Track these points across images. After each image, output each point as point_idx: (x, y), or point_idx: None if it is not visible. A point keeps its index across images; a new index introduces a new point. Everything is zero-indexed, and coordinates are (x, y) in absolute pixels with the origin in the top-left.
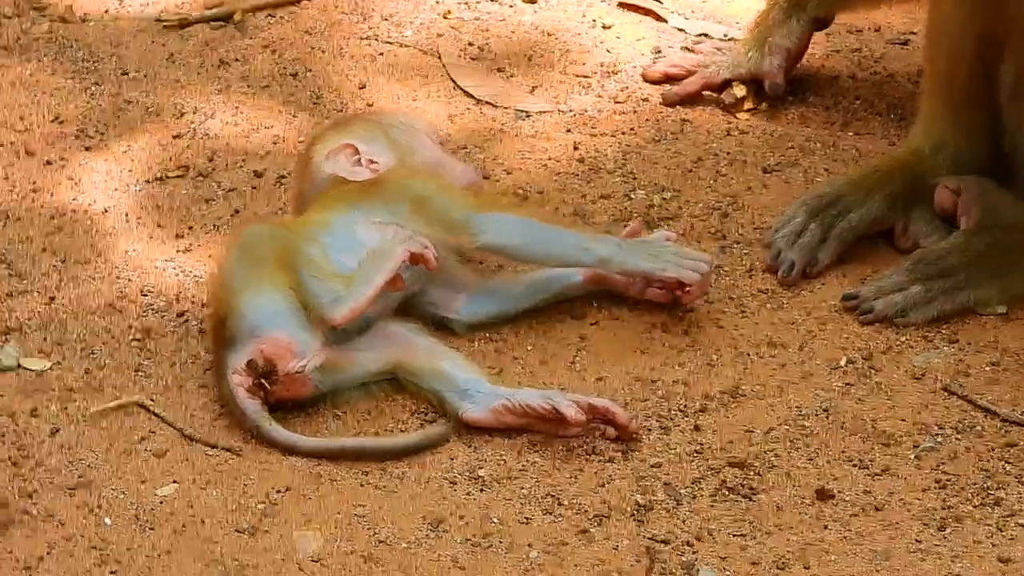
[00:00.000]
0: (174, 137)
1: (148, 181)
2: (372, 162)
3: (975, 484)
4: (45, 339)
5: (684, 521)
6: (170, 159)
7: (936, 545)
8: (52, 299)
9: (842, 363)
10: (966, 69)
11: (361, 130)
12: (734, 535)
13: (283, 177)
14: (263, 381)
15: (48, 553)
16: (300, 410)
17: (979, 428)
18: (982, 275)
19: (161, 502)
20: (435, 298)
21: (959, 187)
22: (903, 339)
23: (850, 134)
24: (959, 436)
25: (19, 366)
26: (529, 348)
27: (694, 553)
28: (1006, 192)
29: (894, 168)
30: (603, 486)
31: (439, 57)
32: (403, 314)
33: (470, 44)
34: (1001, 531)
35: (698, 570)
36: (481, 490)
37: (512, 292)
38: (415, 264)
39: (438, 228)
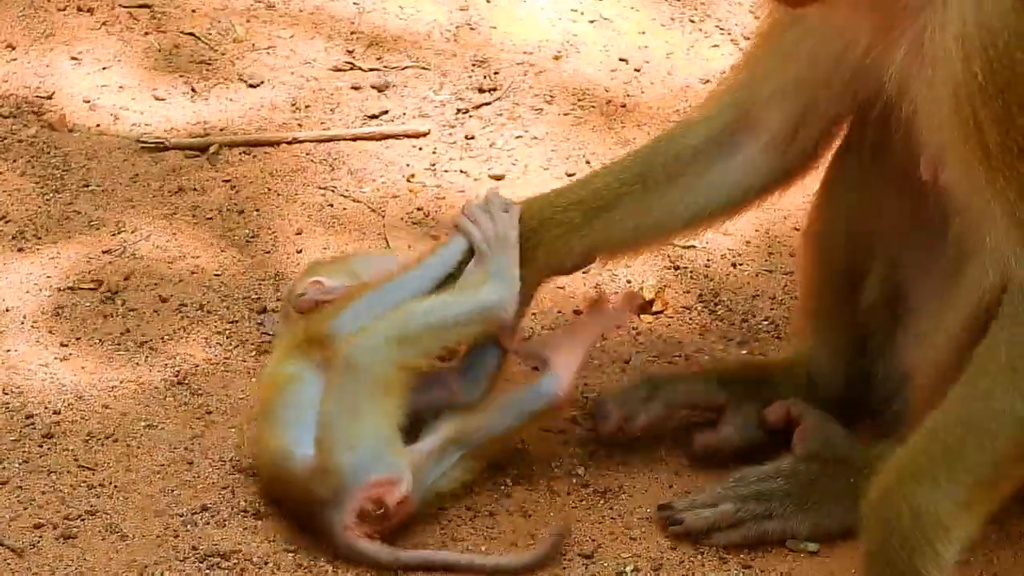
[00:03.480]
0: (103, 252)
1: (60, 289)
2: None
3: None
4: None
5: None
6: (89, 272)
7: None
8: None
9: (628, 569)
10: (830, 280)
11: (329, 268)
12: None
13: (184, 305)
14: (380, 518)
15: None
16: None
17: None
18: (796, 507)
19: None
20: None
21: (801, 414)
22: (700, 555)
23: (743, 352)
24: None
25: None
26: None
27: None
28: (844, 430)
29: (746, 364)
30: None
31: (383, 216)
32: None
33: (419, 209)
34: None
35: None
36: None
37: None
38: None
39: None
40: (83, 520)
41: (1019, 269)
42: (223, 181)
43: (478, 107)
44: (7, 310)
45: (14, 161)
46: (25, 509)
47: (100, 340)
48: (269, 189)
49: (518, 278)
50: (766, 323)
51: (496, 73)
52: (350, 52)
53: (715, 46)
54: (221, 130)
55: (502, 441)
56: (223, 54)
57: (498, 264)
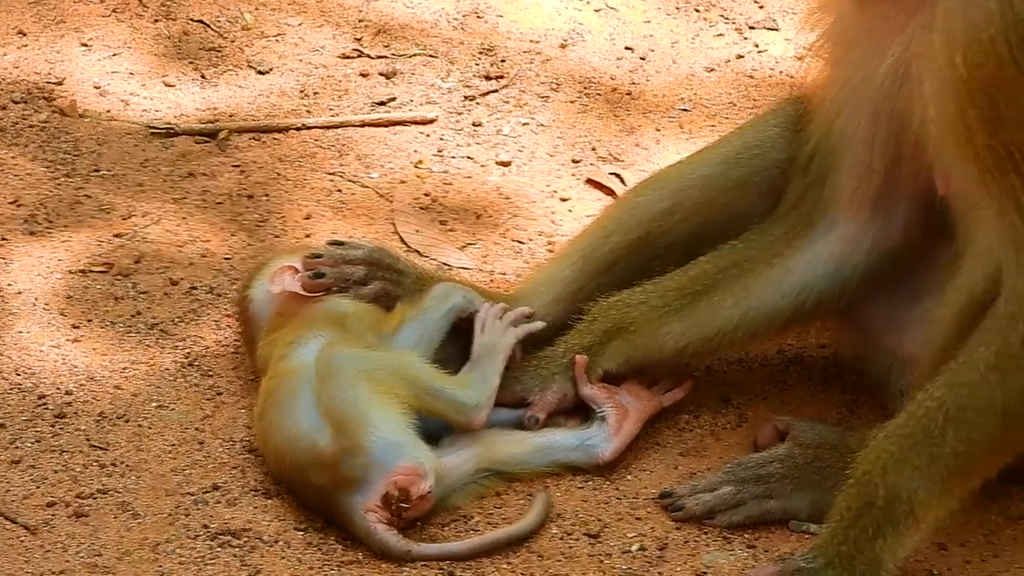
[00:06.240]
0: (114, 236)
1: (71, 272)
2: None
3: None
4: None
5: None
6: (101, 255)
7: None
8: None
9: (633, 548)
10: None
11: (291, 256)
12: None
13: (194, 288)
14: (400, 509)
15: None
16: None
17: None
18: (796, 486)
19: None
20: None
21: (789, 425)
22: (704, 535)
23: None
24: None
25: None
26: None
27: None
28: (835, 427)
29: None
30: None
31: (391, 201)
32: None
33: (426, 194)
34: None
35: None
36: None
37: None
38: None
39: (367, 340)
40: (95, 499)
41: (1011, 270)
42: (232, 166)
43: (485, 94)
44: (19, 293)
45: (25, 146)
46: (38, 487)
47: (111, 322)
48: (278, 174)
49: (495, 388)
50: None
51: (503, 61)
52: (358, 40)
53: (719, 35)
54: (230, 116)
55: (531, 474)
56: (232, 41)
57: (482, 371)
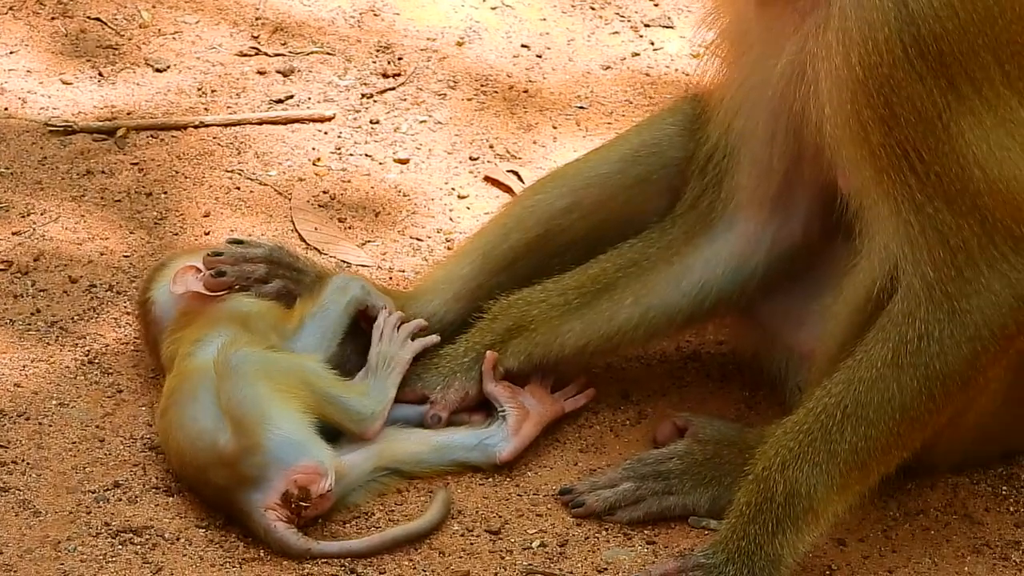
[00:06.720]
0: (12, 233)
1: None
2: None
3: None
4: None
5: None
6: None
7: None
8: None
9: (534, 545)
10: None
11: (192, 256)
12: None
13: (94, 286)
14: (300, 507)
15: None
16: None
17: None
18: (695, 483)
19: None
20: None
21: (688, 421)
22: (605, 531)
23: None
24: None
25: None
26: None
27: None
28: (734, 424)
29: None
30: None
31: (289, 199)
32: None
33: (324, 192)
34: None
35: None
36: None
37: None
38: None
39: (269, 339)
40: None
41: (907, 268)
42: (131, 164)
43: (382, 92)
44: None
45: None
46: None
47: (11, 320)
48: (176, 172)
49: (391, 400)
50: None
51: (400, 59)
52: (255, 37)
53: (615, 33)
54: (128, 114)
55: (431, 472)
56: (130, 39)
57: (379, 382)
